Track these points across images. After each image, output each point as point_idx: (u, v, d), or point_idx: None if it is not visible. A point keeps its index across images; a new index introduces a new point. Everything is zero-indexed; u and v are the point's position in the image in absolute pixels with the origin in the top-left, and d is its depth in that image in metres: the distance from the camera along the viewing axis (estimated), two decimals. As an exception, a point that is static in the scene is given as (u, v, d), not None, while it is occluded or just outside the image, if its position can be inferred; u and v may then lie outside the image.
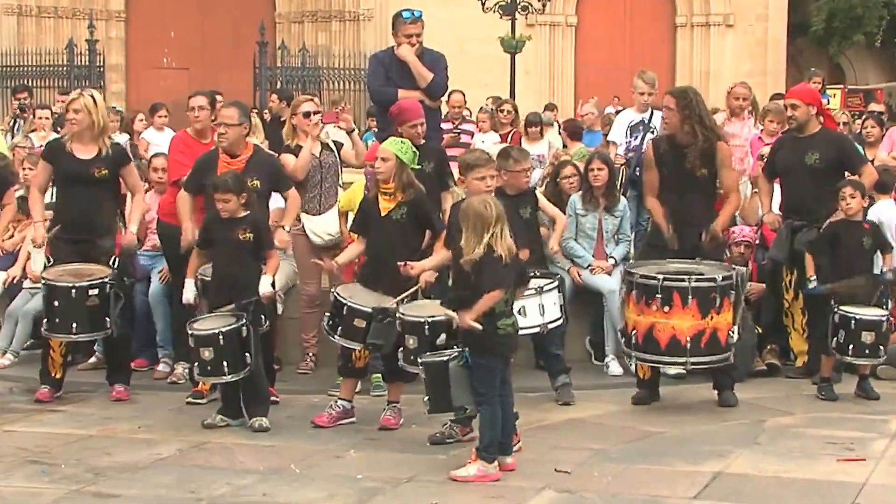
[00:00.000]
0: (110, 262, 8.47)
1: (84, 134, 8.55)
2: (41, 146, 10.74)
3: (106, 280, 8.35)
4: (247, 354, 7.71)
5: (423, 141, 8.71)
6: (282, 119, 12.28)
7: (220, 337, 7.67)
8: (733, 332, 8.08)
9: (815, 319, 9.16)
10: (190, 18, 32.17)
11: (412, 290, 7.62)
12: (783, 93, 14.72)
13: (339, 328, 7.77)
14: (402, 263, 7.50)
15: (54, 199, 8.90)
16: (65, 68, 28.64)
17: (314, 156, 9.26)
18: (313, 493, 6.52)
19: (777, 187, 9.73)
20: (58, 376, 8.66)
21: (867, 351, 8.60)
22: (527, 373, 9.06)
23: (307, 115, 9.26)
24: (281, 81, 27.70)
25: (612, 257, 9.67)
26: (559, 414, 8.34)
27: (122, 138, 14.04)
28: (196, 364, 7.82)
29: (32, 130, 13.69)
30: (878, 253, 8.99)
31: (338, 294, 7.83)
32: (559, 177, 10.19)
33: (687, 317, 7.98)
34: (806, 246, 9.04)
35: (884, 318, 8.64)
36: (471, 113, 16.19)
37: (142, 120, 15.32)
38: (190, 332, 7.76)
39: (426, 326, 7.36)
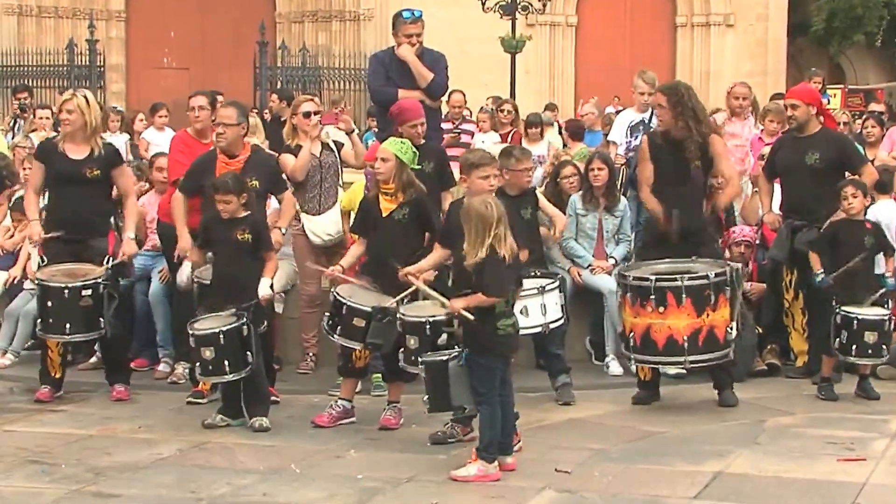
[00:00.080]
0: (104, 263, 8.47)
1: (76, 134, 8.54)
2: (41, 146, 10.74)
3: (99, 280, 8.34)
4: (248, 354, 7.71)
5: (423, 141, 8.71)
6: (282, 119, 12.28)
7: (221, 336, 7.67)
8: (731, 329, 8.08)
9: (816, 319, 9.17)
10: (190, 18, 32.18)
11: (412, 289, 7.62)
12: (783, 93, 14.72)
13: (339, 328, 7.77)
14: (399, 269, 7.49)
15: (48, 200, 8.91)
16: (65, 68, 28.65)
17: (314, 156, 9.26)
18: (313, 492, 6.52)
19: (777, 187, 9.74)
20: (57, 376, 8.66)
21: (870, 351, 8.59)
22: (527, 373, 9.06)
23: (307, 115, 9.26)
24: (281, 81, 27.71)
25: (612, 257, 9.67)
26: (559, 414, 8.33)
27: (122, 138, 14.10)
28: (197, 364, 7.82)
29: (33, 130, 13.68)
30: (881, 254, 9.01)
31: (338, 293, 7.83)
32: (559, 177, 10.19)
33: (682, 316, 7.99)
34: (807, 245, 9.04)
35: (886, 318, 8.64)
36: (471, 113, 16.19)
37: (142, 120, 15.34)
38: (191, 331, 7.76)
39: (427, 326, 7.35)
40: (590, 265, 9.66)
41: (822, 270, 8.79)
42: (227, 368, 7.71)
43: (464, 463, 6.82)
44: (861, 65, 37.76)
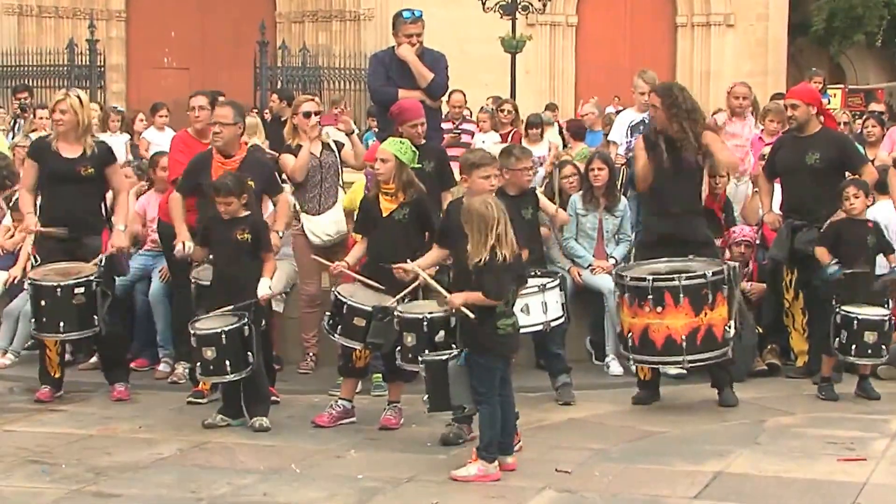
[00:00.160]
0: (97, 261, 8.46)
1: (69, 133, 8.55)
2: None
3: (92, 278, 8.33)
4: (249, 353, 7.71)
5: (423, 141, 8.71)
6: (282, 119, 12.29)
7: (223, 336, 7.67)
8: (730, 327, 8.08)
9: (816, 319, 9.17)
10: (190, 18, 32.16)
11: (412, 287, 7.62)
12: (783, 92, 14.73)
13: (340, 327, 7.77)
14: (395, 267, 7.49)
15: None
16: (65, 68, 28.61)
17: (314, 156, 9.26)
18: (314, 492, 6.52)
19: (777, 187, 9.74)
20: (57, 375, 8.66)
21: (870, 351, 8.59)
22: (527, 372, 9.07)
23: (308, 115, 9.26)
24: (281, 81, 27.70)
25: (612, 257, 9.67)
26: (559, 414, 8.34)
27: (122, 138, 14.09)
28: (198, 364, 7.82)
29: (33, 130, 13.66)
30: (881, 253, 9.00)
31: (338, 293, 7.83)
32: (559, 177, 10.18)
33: (680, 315, 7.99)
34: (808, 245, 9.03)
35: (886, 318, 8.64)
36: (471, 113, 16.19)
37: (142, 120, 15.32)
38: (192, 331, 7.76)
39: (424, 323, 7.34)
40: (590, 265, 9.66)
41: (836, 260, 8.73)
42: (229, 368, 7.71)
43: (464, 463, 6.82)
44: (861, 65, 37.76)
